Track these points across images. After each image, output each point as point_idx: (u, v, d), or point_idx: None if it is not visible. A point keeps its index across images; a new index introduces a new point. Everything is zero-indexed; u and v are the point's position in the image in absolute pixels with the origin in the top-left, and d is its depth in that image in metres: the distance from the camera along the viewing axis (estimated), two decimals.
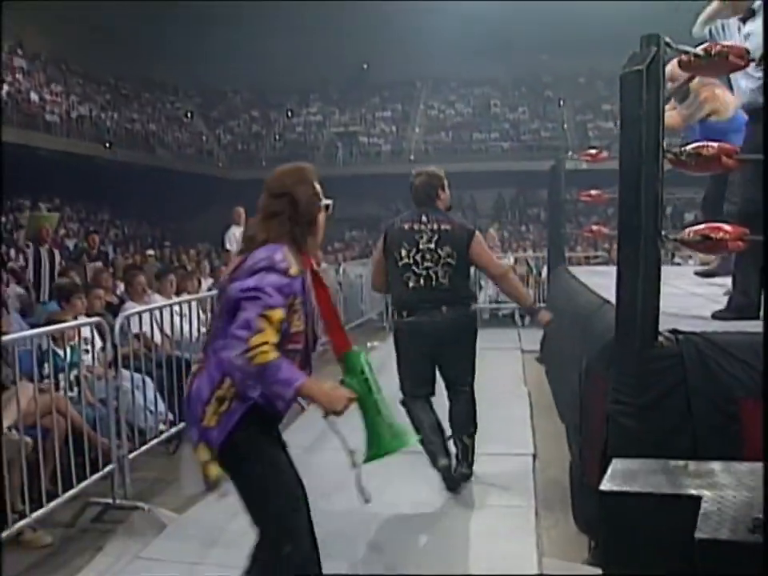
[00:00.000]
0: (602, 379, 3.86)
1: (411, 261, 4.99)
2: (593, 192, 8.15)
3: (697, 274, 6.47)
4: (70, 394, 5.39)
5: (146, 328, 6.53)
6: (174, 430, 5.99)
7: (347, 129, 36.63)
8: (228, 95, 40.59)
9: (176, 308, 7.01)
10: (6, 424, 4.36)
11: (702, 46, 3.68)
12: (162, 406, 6.06)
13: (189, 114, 37.85)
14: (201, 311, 7.59)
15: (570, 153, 23.80)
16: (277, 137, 37.53)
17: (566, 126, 34.83)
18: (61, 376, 5.34)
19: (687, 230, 3.64)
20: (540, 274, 13.74)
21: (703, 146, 3.61)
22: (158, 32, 33.90)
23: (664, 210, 3.65)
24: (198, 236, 28.42)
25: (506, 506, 4.82)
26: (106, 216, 30.34)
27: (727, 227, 3.58)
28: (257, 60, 35.60)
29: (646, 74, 3.48)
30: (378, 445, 2.89)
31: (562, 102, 36.26)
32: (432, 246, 4.96)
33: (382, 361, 8.63)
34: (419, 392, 5.09)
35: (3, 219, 22.52)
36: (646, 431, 3.49)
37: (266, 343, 2.62)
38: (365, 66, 37.45)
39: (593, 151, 7.98)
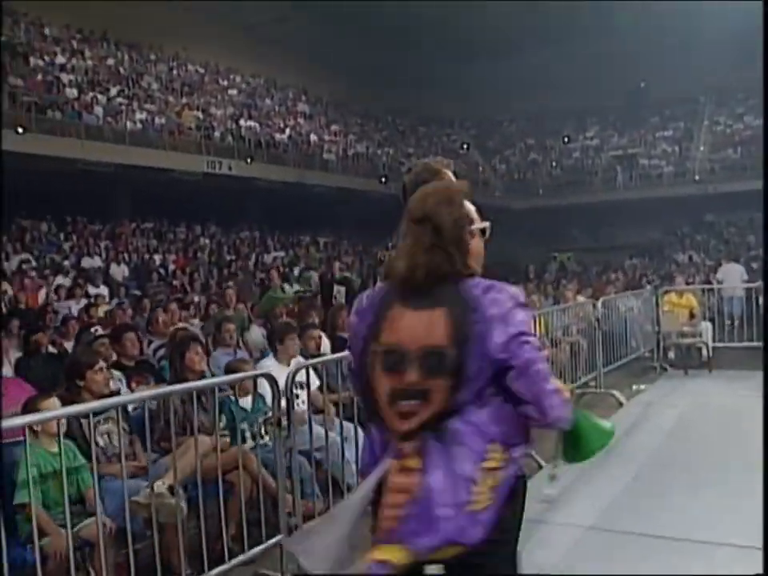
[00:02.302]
0: None
1: None
2: None
3: None
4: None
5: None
6: None
7: (626, 151, 35.13)
8: (503, 124, 40.45)
9: None
10: (169, 482, 4.04)
11: None
12: None
13: (465, 145, 38.02)
14: None
15: None
16: (553, 164, 36.80)
17: None
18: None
19: None
20: None
21: None
22: (431, 67, 34.62)
23: None
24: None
25: None
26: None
27: None
28: (531, 87, 35.32)
29: None
30: (588, 441, 2.52)
31: None
32: None
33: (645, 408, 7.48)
34: None
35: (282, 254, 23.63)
36: None
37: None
38: (642, 84, 35.70)
39: None
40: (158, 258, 19.81)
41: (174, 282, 17.57)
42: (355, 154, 30.31)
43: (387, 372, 2.20)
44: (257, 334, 9.40)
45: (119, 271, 17.97)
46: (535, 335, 2.24)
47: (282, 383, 4.61)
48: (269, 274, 18.25)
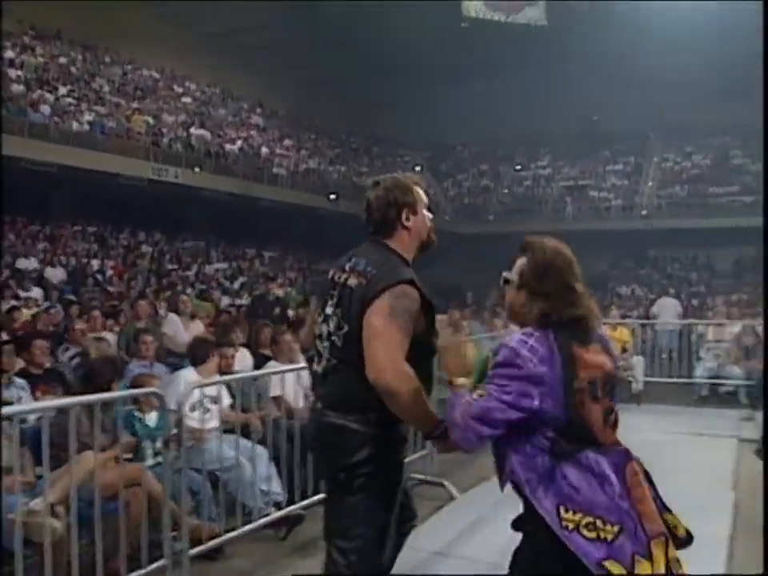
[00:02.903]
0: None
1: (318, 331, 3.10)
2: None
3: None
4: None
5: (288, 390, 5.92)
6: (284, 511, 5.27)
7: (577, 183, 35.48)
8: (457, 149, 40.63)
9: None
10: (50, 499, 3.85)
11: None
12: (276, 485, 5.35)
13: (418, 168, 38.06)
14: None
15: None
16: (505, 190, 37.02)
17: None
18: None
19: None
20: None
21: None
22: (389, 88, 34.74)
23: None
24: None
25: None
26: (326, 267, 30.79)
27: None
28: (487, 114, 35.60)
29: None
30: None
31: None
32: (330, 311, 3.04)
33: None
34: None
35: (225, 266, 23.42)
36: None
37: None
38: (595, 118, 36.16)
39: None
40: (95, 262, 19.42)
41: (111, 289, 17.23)
42: (306, 169, 30.16)
43: (594, 399, 2.51)
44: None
45: (55, 274, 17.58)
46: None
47: (177, 400, 4.48)
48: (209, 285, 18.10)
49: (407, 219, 3.10)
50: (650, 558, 2.32)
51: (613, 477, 2.44)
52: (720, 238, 29.38)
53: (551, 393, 2.45)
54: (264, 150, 28.73)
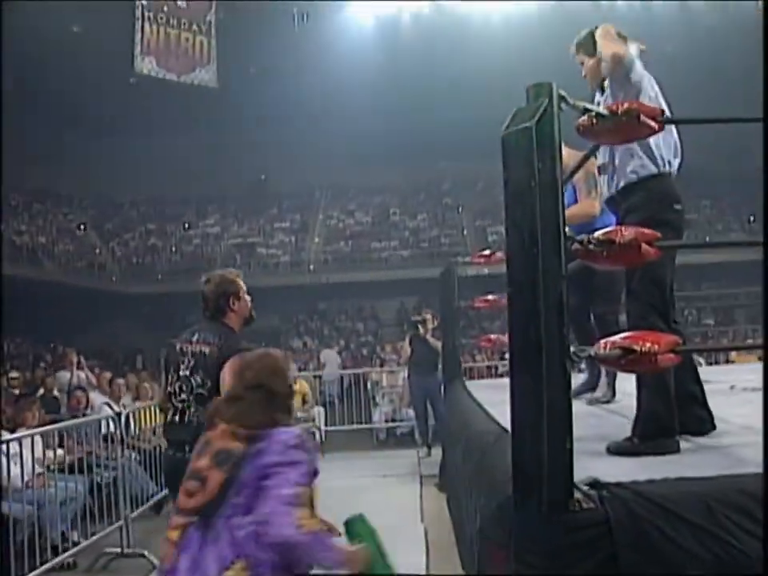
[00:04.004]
0: (500, 550, 2.81)
1: (172, 389, 4.16)
2: (490, 297, 7.28)
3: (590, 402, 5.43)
4: None
5: None
6: None
7: (245, 240, 35.77)
8: (124, 207, 39.44)
9: (6, 446, 5.88)
10: None
11: (606, 105, 2.84)
12: None
13: (82, 226, 36.46)
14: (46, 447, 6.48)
15: (465, 258, 23.32)
16: (173, 249, 36.39)
17: (465, 232, 34.63)
18: None
19: (603, 342, 2.70)
20: None
21: (616, 231, 2.73)
22: (53, 142, 33.03)
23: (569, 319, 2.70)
24: (90, 354, 26.79)
25: None
26: None
27: (655, 335, 2.69)
28: (154, 172, 34.99)
29: (536, 132, 2.57)
30: None
31: (460, 209, 36.17)
32: (188, 372, 4.10)
33: None
34: None
35: None
36: None
37: (309, 515, 2.73)
38: (263, 177, 36.94)
39: (486, 252, 7.12)
40: None
41: None
42: None
43: None
44: None
45: None
46: (302, 472, 2.85)
47: None
48: None
49: (233, 304, 4.29)
50: None
51: None
52: (383, 290, 31.05)
53: None
54: None
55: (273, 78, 31.05)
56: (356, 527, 3.05)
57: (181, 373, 4.06)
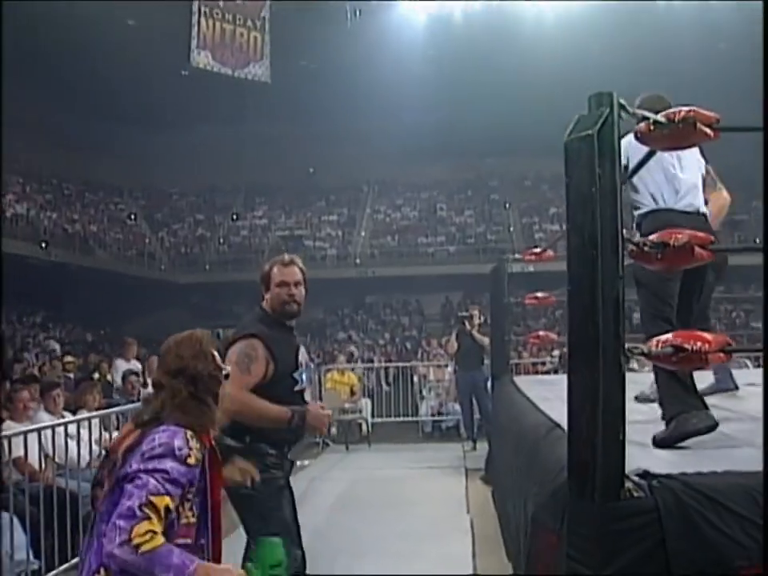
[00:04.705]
0: (552, 535, 2.97)
1: None
2: (539, 294, 7.39)
3: (637, 399, 5.52)
4: None
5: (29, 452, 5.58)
6: None
7: (293, 232, 36.09)
8: (173, 197, 39.98)
9: (65, 428, 6.09)
10: None
11: (663, 112, 2.96)
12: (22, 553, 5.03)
13: (132, 216, 37.08)
14: (104, 430, 6.71)
15: (514, 254, 23.33)
16: (221, 240, 36.84)
17: (511, 228, 34.62)
18: None
19: (655, 340, 2.82)
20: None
21: (670, 234, 2.84)
22: (106, 133, 33.59)
23: (626, 316, 2.84)
24: (138, 341, 27.24)
25: None
26: (38, 319, 29.05)
27: (705, 336, 2.79)
28: (203, 163, 35.36)
29: (597, 140, 2.71)
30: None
31: (507, 205, 36.20)
32: None
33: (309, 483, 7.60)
34: None
35: None
36: None
37: (151, 531, 2.42)
38: (311, 170, 37.21)
39: (537, 250, 7.24)
40: None
41: None
42: (14, 215, 28.41)
43: None
44: None
45: None
46: (158, 480, 2.52)
47: None
48: None
49: (266, 292, 4.08)
50: None
51: None
52: (428, 285, 31.19)
53: None
54: None
55: (324, 73, 31.34)
56: (264, 550, 2.82)
57: None
